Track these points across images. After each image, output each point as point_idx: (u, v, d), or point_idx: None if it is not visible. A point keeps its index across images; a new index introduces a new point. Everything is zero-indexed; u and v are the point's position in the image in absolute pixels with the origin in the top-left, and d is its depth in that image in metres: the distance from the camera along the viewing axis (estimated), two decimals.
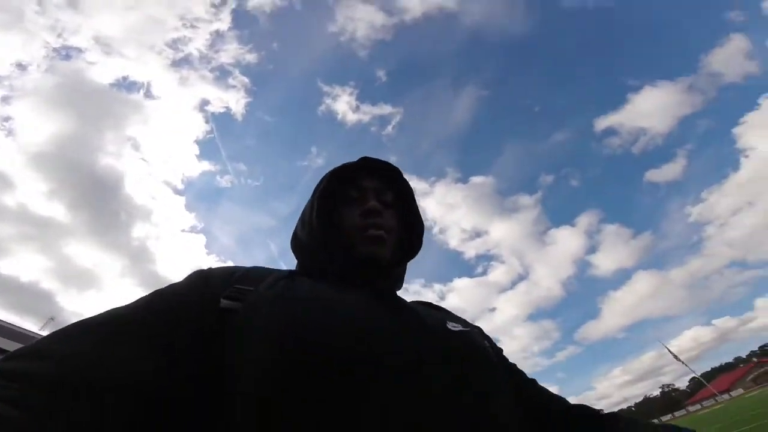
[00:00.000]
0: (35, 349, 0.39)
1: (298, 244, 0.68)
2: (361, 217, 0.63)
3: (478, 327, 0.69)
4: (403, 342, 0.46)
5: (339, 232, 0.63)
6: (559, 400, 0.66)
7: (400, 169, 0.71)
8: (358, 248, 0.61)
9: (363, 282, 0.59)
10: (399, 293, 0.67)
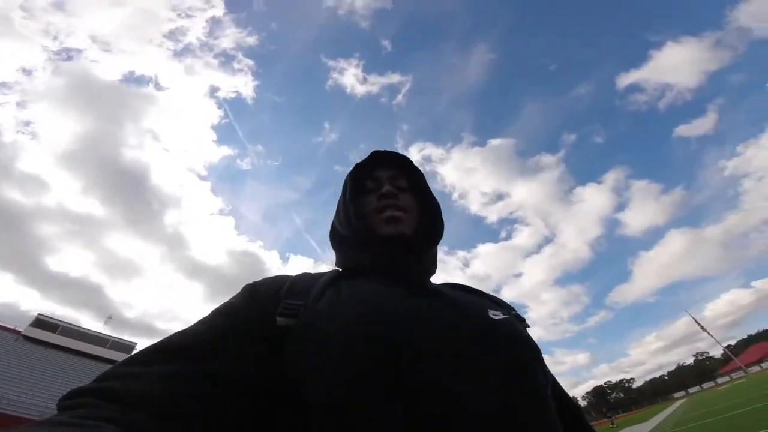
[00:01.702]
0: (124, 372, 0.42)
1: (336, 238, 0.74)
2: (378, 202, 0.68)
3: (516, 312, 0.69)
4: (447, 332, 0.49)
5: (364, 221, 0.68)
6: (576, 413, 0.63)
7: (411, 157, 0.77)
8: (380, 230, 0.66)
9: (401, 272, 0.62)
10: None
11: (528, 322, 0.70)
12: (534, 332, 0.69)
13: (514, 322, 0.59)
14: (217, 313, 0.53)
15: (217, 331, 0.50)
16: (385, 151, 0.77)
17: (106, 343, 30.07)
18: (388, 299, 0.53)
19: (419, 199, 0.74)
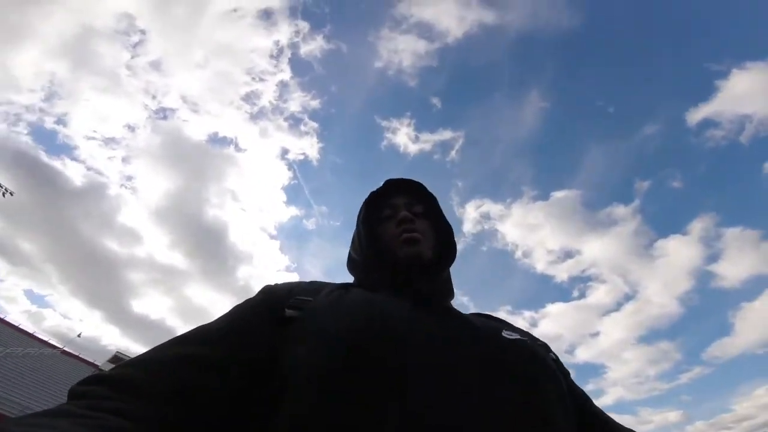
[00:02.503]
0: (138, 360, 0.46)
1: (353, 264, 0.78)
2: (396, 227, 0.71)
3: (543, 342, 0.69)
4: (448, 345, 0.50)
5: (383, 247, 0.70)
6: None
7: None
8: (398, 252, 0.68)
9: (412, 290, 0.64)
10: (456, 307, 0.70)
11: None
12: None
13: (530, 342, 0.59)
14: (234, 308, 0.59)
15: (231, 323, 0.54)
16: (399, 178, 0.80)
17: None
18: (395, 307, 0.55)
19: (434, 225, 0.76)
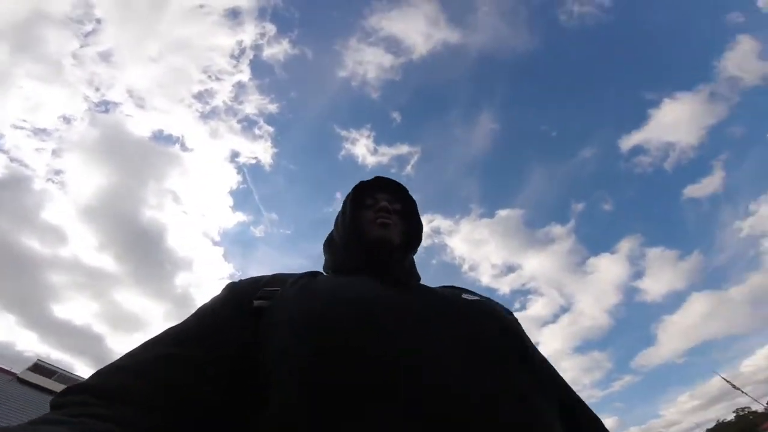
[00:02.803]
0: (115, 366, 0.44)
1: (330, 243, 0.83)
2: (374, 213, 0.76)
3: (502, 305, 0.72)
4: (412, 313, 0.52)
5: (360, 228, 0.75)
6: (583, 411, 0.61)
7: (417, 197, 0.86)
8: (371, 234, 0.73)
9: (378, 270, 0.68)
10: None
11: None
12: None
13: (488, 301, 0.65)
14: (200, 308, 0.58)
15: (201, 322, 0.54)
16: (387, 177, 0.86)
17: None
18: (365, 287, 0.58)
19: (407, 223, 0.82)
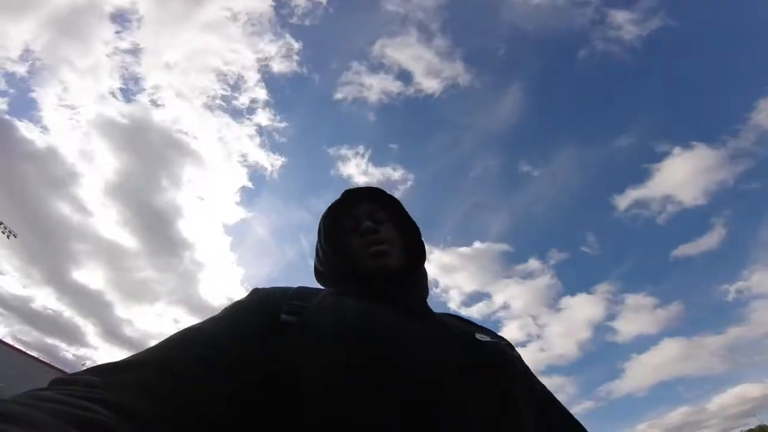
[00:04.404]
0: (126, 362, 0.41)
1: (321, 276, 0.76)
2: (361, 239, 0.69)
3: (507, 340, 0.70)
4: (429, 350, 0.53)
5: (348, 260, 0.70)
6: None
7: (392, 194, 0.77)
8: (363, 266, 0.68)
9: (391, 295, 0.63)
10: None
11: None
12: None
13: (500, 344, 0.64)
14: (227, 310, 0.57)
15: (231, 326, 0.53)
16: (357, 187, 0.77)
17: None
18: (383, 314, 0.58)
19: (399, 228, 0.74)
